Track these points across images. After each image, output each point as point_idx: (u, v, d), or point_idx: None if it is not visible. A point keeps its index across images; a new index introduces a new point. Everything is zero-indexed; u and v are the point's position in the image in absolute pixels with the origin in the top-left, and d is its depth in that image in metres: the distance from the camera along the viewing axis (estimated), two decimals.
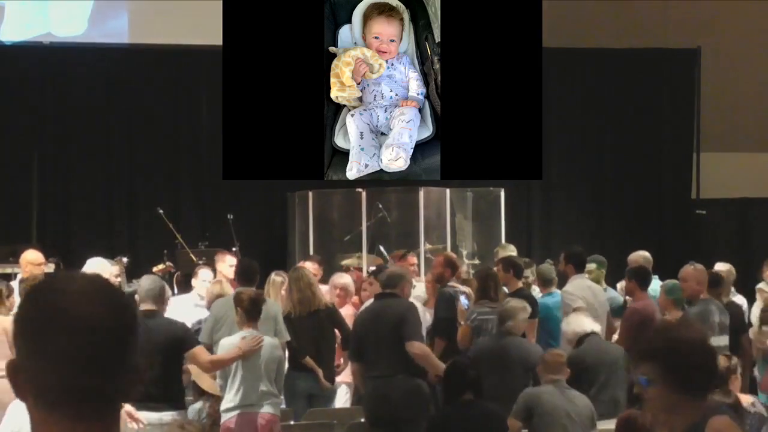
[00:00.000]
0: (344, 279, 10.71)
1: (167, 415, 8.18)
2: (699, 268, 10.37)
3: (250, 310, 8.56)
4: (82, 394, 1.84)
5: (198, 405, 8.77)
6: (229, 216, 14.81)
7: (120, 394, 1.89)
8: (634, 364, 3.82)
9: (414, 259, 11.97)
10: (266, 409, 8.47)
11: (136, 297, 8.65)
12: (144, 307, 8.36)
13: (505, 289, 10.54)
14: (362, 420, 9.24)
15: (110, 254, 14.12)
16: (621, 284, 11.97)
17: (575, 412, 7.79)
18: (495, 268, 11.15)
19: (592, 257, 11.88)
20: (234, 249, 13.94)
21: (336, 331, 9.89)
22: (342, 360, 10.09)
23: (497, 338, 9.19)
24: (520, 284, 10.94)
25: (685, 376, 3.66)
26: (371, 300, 10.06)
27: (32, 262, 10.57)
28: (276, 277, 10.83)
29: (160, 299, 8.42)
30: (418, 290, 11.24)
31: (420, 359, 8.83)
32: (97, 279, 1.92)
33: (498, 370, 8.73)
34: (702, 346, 3.75)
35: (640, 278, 10.46)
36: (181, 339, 8.26)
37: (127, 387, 1.89)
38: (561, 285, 11.13)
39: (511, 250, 13.08)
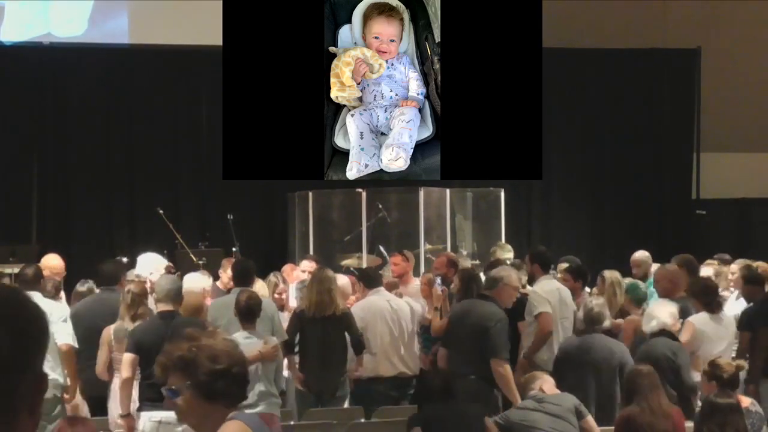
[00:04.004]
0: (340, 281, 10.69)
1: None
2: (671, 268, 10.47)
3: (245, 313, 8.56)
4: None
5: None
6: (229, 216, 14.80)
7: (20, 402, 1.82)
8: (160, 377, 3.77)
9: (398, 259, 11.91)
10: (264, 409, 8.44)
11: (153, 296, 8.58)
12: (161, 308, 8.32)
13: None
14: (362, 420, 9.23)
15: (110, 254, 14.16)
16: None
17: (557, 414, 7.84)
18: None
19: (566, 258, 11.85)
20: (234, 249, 13.94)
21: (347, 335, 9.82)
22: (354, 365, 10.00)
23: (584, 338, 9.21)
24: None
25: (209, 384, 3.63)
26: (365, 300, 10.15)
27: (52, 269, 10.45)
28: (272, 278, 10.84)
29: (178, 299, 8.39)
30: (414, 289, 11.25)
31: (500, 379, 9.12)
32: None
33: (585, 369, 8.93)
34: (225, 353, 3.70)
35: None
36: None
37: (27, 395, 1.83)
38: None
39: (508, 250, 13.04)
